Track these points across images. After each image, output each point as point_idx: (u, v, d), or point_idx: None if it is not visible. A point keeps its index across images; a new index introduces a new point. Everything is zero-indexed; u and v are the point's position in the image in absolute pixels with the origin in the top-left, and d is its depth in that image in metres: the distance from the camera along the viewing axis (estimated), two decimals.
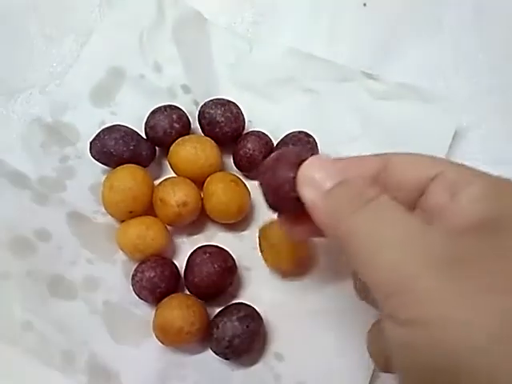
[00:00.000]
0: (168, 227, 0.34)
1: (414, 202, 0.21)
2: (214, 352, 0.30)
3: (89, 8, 0.42)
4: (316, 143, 0.35)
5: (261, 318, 0.31)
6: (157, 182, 0.34)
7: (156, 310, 0.30)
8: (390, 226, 0.17)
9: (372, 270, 0.17)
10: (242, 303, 0.31)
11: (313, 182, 0.20)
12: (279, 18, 0.42)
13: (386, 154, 0.22)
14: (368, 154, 0.21)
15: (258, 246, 0.33)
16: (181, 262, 0.33)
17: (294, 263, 0.31)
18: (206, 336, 0.30)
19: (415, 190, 0.20)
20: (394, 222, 0.17)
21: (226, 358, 0.29)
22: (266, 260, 0.33)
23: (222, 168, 0.36)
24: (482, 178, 0.19)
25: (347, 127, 0.37)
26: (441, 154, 0.35)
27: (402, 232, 0.17)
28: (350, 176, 0.20)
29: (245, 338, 0.29)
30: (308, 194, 0.20)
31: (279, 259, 0.31)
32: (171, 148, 0.34)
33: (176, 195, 0.32)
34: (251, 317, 0.30)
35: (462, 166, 0.20)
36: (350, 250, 0.18)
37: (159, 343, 0.30)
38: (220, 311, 0.31)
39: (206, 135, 0.36)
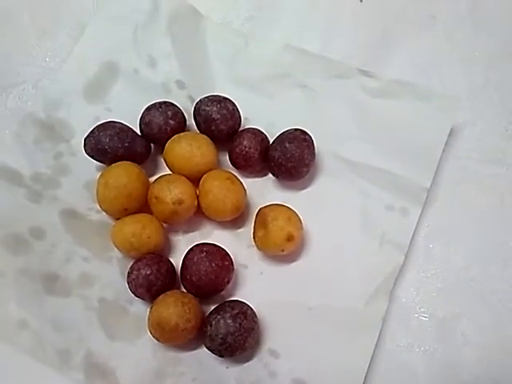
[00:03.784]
0: (164, 225, 0.34)
1: None
2: (208, 349, 0.30)
3: (82, 1, 0.41)
4: (312, 141, 0.34)
5: (255, 316, 0.31)
6: (152, 180, 0.34)
7: (151, 308, 0.30)
8: None
9: None
10: (236, 300, 0.31)
11: None
12: (275, 14, 0.41)
13: None
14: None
15: (253, 243, 0.33)
16: (177, 260, 0.33)
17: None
18: (202, 333, 0.30)
19: None
20: None
21: (221, 356, 0.30)
22: (255, 237, 0.33)
23: (217, 165, 0.36)
24: None
25: (343, 124, 0.37)
26: (437, 152, 0.35)
27: None
28: None
29: (238, 336, 0.29)
30: None
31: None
32: (166, 145, 0.34)
33: (171, 193, 0.32)
34: (245, 314, 0.30)
35: None
36: None
37: (155, 340, 0.30)
38: (214, 308, 0.31)
39: (201, 132, 0.36)
